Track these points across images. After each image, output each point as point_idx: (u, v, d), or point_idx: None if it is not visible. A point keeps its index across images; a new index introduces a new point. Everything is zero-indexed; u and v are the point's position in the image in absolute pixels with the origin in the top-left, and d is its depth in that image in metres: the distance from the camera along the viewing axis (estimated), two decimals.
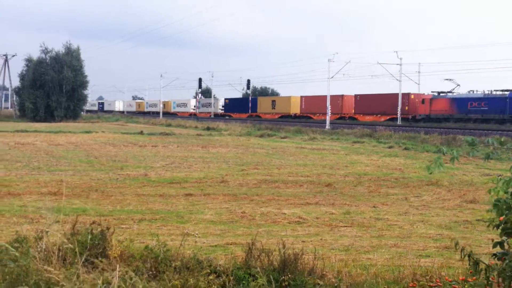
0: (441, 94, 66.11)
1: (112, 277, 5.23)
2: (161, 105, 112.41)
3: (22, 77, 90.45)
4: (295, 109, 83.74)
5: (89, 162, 23.87)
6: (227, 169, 21.81)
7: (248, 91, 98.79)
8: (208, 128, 56.65)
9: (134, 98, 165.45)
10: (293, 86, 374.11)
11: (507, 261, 4.71)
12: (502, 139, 5.20)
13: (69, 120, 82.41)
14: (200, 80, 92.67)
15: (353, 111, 75.05)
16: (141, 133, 47.34)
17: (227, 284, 6.01)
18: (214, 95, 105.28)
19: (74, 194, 15.31)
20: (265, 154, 29.37)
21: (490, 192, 5.15)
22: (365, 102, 71.91)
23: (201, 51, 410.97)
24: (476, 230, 11.59)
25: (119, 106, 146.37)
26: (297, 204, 14.53)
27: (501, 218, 4.94)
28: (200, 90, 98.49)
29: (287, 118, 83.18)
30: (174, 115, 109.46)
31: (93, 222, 6.99)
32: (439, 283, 5.47)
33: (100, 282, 5.12)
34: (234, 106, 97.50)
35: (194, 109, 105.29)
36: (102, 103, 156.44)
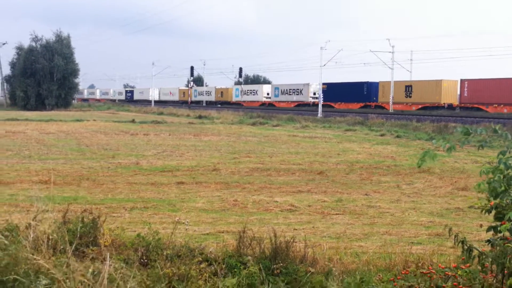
0: None
1: (103, 266, 5.19)
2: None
3: (13, 65, 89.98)
4: (449, 97, 61.17)
5: (80, 150, 23.76)
6: (219, 157, 21.76)
7: (240, 79, 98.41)
8: (200, 117, 56.46)
9: (125, 86, 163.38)
10: (284, 74, 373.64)
11: (499, 247, 4.70)
12: (497, 127, 5.17)
13: (60, 108, 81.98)
14: (192, 68, 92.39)
15: None
16: (133, 121, 47.17)
17: (218, 272, 5.99)
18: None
19: (65, 182, 15.24)
20: (257, 142, 29.33)
21: (480, 186, 5.12)
22: None
23: (191, 40, 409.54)
24: (468, 217, 11.62)
25: (153, 94, 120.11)
26: (289, 192, 14.52)
27: (492, 203, 4.93)
28: (192, 78, 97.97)
29: (433, 110, 59.25)
30: (238, 104, 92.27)
31: (84, 211, 6.95)
32: (431, 270, 5.46)
33: (90, 270, 5.08)
34: (339, 93, 73.65)
35: (267, 97, 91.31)
36: (131, 91, 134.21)
